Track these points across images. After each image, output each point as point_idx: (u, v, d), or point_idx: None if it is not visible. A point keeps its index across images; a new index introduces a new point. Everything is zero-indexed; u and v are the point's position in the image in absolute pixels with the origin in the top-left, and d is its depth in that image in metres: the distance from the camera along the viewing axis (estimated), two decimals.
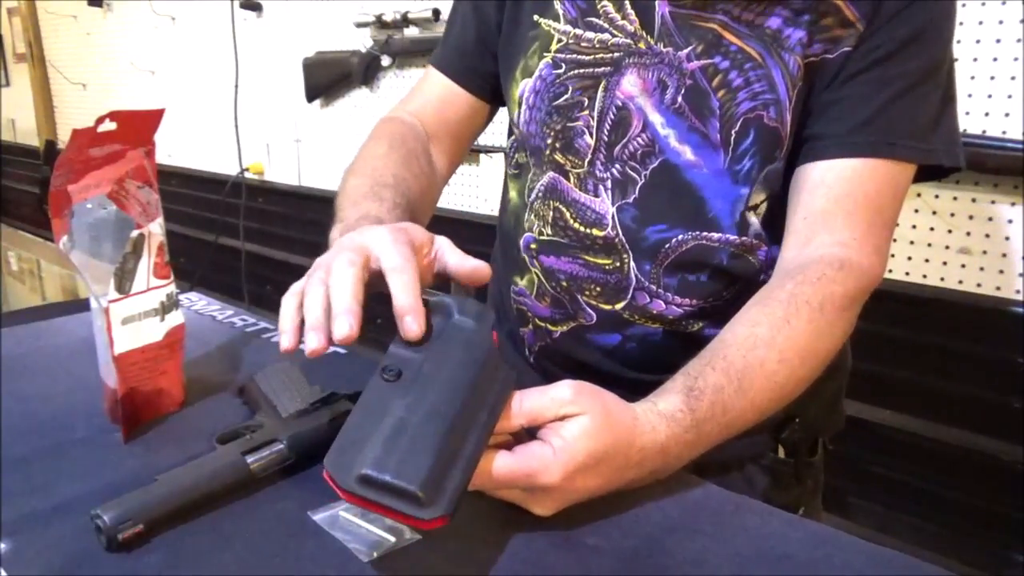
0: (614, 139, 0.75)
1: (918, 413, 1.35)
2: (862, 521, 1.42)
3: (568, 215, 0.79)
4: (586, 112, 0.76)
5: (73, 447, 0.66)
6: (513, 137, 0.87)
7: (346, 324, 0.50)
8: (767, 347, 0.62)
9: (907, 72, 0.68)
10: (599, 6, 0.75)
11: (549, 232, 0.80)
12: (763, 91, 0.70)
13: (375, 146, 0.82)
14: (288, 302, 0.55)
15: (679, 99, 0.72)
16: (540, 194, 0.81)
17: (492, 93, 0.88)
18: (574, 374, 0.82)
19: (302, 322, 0.53)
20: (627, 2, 0.74)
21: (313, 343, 0.51)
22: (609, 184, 0.76)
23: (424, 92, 0.91)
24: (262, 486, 0.59)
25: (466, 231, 2.09)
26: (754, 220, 0.74)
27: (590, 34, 0.76)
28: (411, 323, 0.52)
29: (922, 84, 0.68)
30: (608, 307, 0.78)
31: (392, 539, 0.53)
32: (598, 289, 0.78)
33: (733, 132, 0.71)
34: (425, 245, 0.59)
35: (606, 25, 0.75)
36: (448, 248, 0.60)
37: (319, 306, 0.52)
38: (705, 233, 0.74)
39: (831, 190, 0.69)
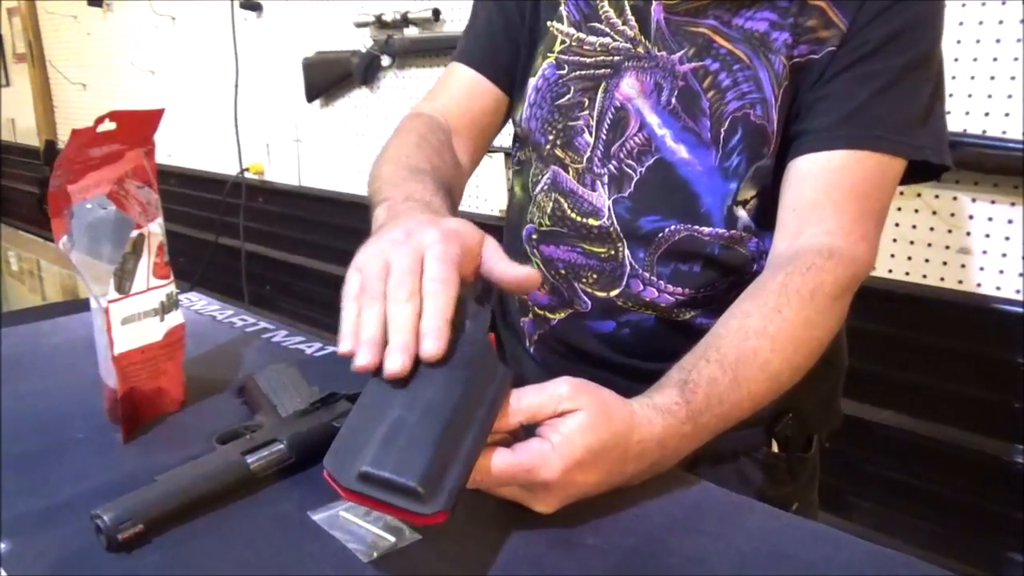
0: (612, 138, 0.77)
1: (917, 413, 1.35)
2: (861, 521, 1.42)
3: (566, 205, 0.81)
4: (586, 112, 0.79)
5: (73, 447, 0.66)
6: (515, 134, 0.90)
7: (439, 343, 0.48)
8: (759, 337, 0.63)
9: (891, 67, 0.69)
10: (601, 11, 0.77)
11: (548, 223, 0.83)
12: (750, 91, 0.72)
13: (405, 138, 0.82)
14: (350, 308, 0.51)
15: (673, 100, 0.75)
16: (545, 188, 0.83)
17: (512, 88, 0.89)
18: (571, 361, 0.84)
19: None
20: (627, 8, 0.76)
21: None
22: (606, 180, 0.78)
23: (450, 86, 0.91)
24: (262, 486, 0.59)
25: None
26: (742, 214, 0.76)
27: (592, 38, 0.78)
28: (430, 344, 0.49)
29: (907, 79, 0.69)
30: (603, 294, 0.80)
31: (392, 539, 0.53)
32: (594, 276, 0.80)
33: (722, 130, 0.73)
34: (475, 247, 0.57)
35: (607, 29, 0.77)
36: (495, 253, 0.58)
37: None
38: (696, 227, 0.75)
39: (818, 181, 0.70)
